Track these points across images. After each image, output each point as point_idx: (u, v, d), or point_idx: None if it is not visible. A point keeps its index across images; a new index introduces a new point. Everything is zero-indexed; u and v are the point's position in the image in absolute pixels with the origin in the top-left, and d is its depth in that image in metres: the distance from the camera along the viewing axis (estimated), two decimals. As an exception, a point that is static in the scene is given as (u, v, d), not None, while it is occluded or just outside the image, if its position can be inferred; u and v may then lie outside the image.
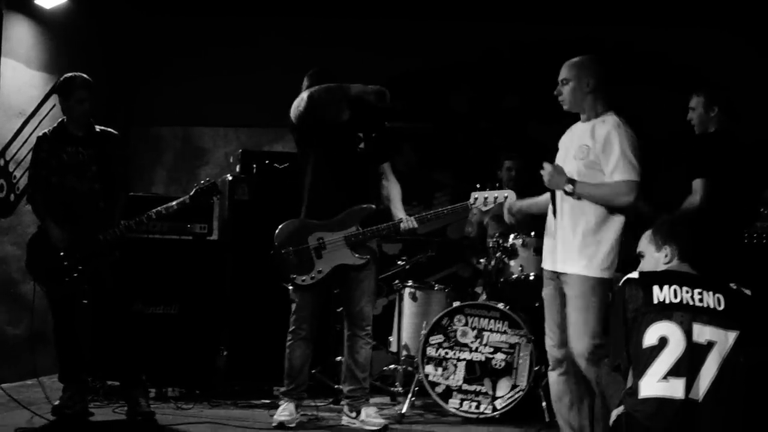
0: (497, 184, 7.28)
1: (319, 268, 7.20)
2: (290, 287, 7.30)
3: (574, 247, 6.13)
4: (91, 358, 7.67)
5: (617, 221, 6.10)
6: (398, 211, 7.38)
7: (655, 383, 4.83)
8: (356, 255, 7.25)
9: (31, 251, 7.37)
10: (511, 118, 10.26)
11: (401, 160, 10.38)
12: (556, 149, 6.57)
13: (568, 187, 6.13)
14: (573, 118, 6.46)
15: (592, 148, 6.16)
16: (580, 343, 6.03)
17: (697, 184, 7.05)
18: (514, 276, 8.23)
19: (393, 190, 7.51)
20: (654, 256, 5.36)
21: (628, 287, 5.13)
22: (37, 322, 7.95)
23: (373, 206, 7.34)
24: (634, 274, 5.18)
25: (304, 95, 7.16)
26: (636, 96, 9.68)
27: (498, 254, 8.29)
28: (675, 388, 4.79)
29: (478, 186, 7.19)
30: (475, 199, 7.17)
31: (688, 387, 4.79)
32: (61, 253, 7.14)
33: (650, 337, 4.91)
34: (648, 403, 4.84)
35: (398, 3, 10.03)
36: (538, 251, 8.11)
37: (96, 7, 9.78)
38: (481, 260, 8.57)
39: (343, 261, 7.24)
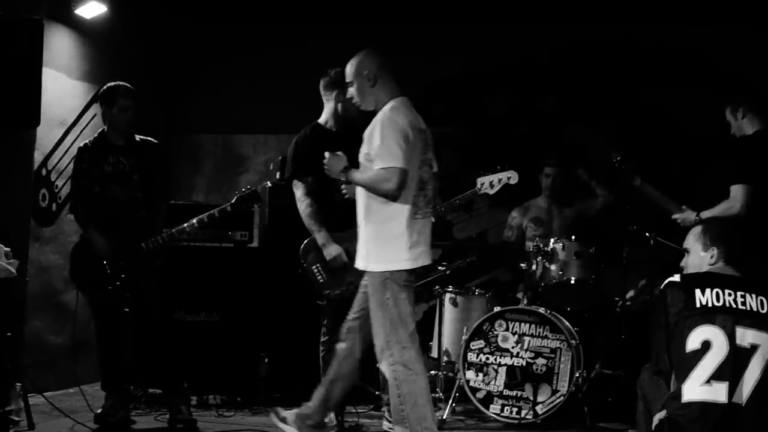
0: (498, 167, 7.23)
1: (349, 279, 7.12)
2: (324, 302, 7.28)
3: (363, 243, 6.23)
4: (133, 366, 7.69)
5: (400, 212, 6.08)
6: None
7: (698, 387, 4.80)
8: None
9: (74, 260, 7.42)
10: (550, 120, 10.22)
11: (441, 163, 10.37)
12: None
13: (342, 175, 6.26)
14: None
15: (366, 140, 6.23)
16: (377, 339, 6.14)
17: (737, 190, 7.00)
18: (554, 280, 8.21)
19: None
20: (700, 255, 5.34)
21: (669, 291, 5.11)
22: (80, 330, 8.02)
23: None
24: (676, 277, 5.16)
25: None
26: (676, 97, 9.65)
27: (538, 258, 8.27)
28: (718, 393, 4.77)
29: (482, 171, 7.19)
30: (482, 184, 7.22)
31: (731, 391, 4.76)
32: (104, 262, 7.18)
33: (693, 341, 4.88)
34: (691, 408, 4.81)
35: (435, 7, 10.01)
36: (579, 255, 8.16)
37: (135, 15, 9.82)
38: (522, 264, 8.54)
39: None
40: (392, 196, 6.04)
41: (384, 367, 6.15)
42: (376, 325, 6.15)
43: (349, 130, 7.25)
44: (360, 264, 6.26)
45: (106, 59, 9.59)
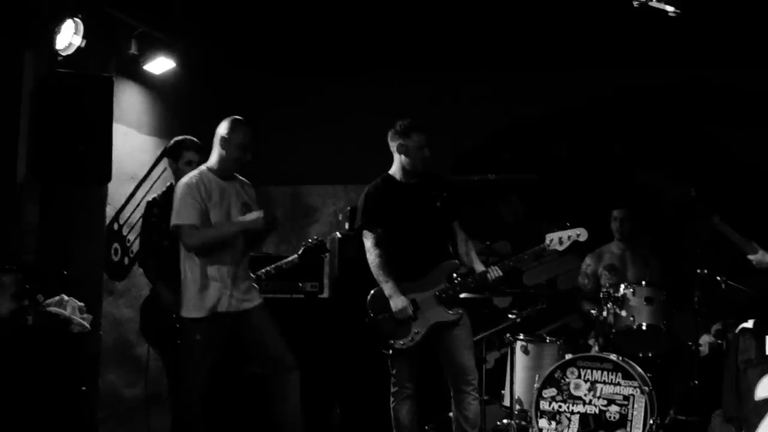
0: (567, 224, 7.21)
1: (416, 330, 7.14)
2: (390, 352, 7.28)
3: None
4: (205, 416, 7.70)
5: (191, 262, 6.88)
6: (477, 264, 7.34)
7: (768, 438, 4.72)
8: (449, 311, 7.19)
9: (144, 314, 7.51)
10: (618, 165, 10.16)
11: (508, 210, 10.36)
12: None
13: None
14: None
15: None
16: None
17: None
18: (625, 326, 8.14)
19: (467, 245, 7.46)
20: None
21: (742, 337, 5.05)
22: (152, 383, 8.07)
23: (457, 261, 7.32)
24: (750, 323, 5.09)
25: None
26: (745, 139, 9.57)
27: (609, 304, 8.21)
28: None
29: (552, 228, 7.19)
30: (551, 240, 7.19)
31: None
32: (174, 316, 7.23)
33: (763, 390, 4.81)
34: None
35: (503, 54, 10.02)
36: (650, 301, 8.09)
37: (202, 69, 9.93)
38: (592, 311, 8.48)
39: (438, 319, 7.18)
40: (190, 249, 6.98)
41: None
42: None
43: (422, 182, 7.28)
44: None
45: (174, 113, 9.73)
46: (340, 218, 9.26)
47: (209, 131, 7.30)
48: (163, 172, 9.25)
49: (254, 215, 6.82)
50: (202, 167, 6.99)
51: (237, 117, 6.97)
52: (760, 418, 4.76)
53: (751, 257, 7.42)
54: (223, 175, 6.95)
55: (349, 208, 9.05)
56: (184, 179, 6.92)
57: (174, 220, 6.81)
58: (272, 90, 10.76)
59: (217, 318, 6.81)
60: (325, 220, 10.70)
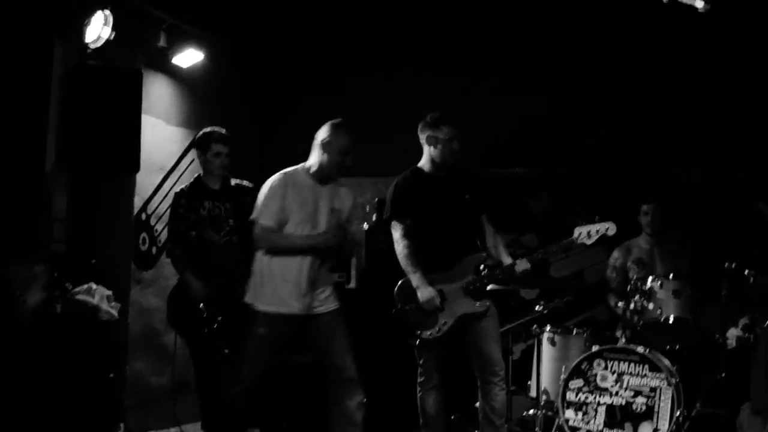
0: (596, 218, 7.21)
1: (443, 321, 7.17)
2: (417, 343, 7.29)
3: None
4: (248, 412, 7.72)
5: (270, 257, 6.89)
6: (505, 256, 7.35)
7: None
8: (477, 303, 7.21)
9: (171, 304, 7.54)
10: (647, 160, 10.13)
11: (537, 205, 10.35)
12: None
13: None
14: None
15: None
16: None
17: None
18: (652, 318, 8.12)
19: (495, 238, 7.47)
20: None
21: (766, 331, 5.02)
22: (180, 371, 8.11)
23: (485, 254, 7.34)
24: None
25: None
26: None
27: (636, 297, 8.19)
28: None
29: (580, 221, 7.19)
30: (579, 233, 7.18)
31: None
32: (201, 305, 7.27)
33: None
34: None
35: (531, 48, 10.01)
36: (677, 294, 8.06)
37: (230, 60, 9.95)
38: (620, 303, 8.46)
39: (465, 310, 7.20)
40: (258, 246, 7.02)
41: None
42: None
43: (451, 174, 7.29)
44: None
45: (203, 105, 9.76)
46: (368, 210, 9.26)
47: (237, 123, 7.34)
48: (191, 163, 9.27)
49: (322, 236, 6.83)
50: (300, 166, 7.00)
51: (337, 121, 6.99)
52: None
53: None
54: (321, 178, 6.94)
55: (377, 199, 9.07)
56: (276, 176, 6.95)
57: (254, 214, 6.83)
58: (300, 81, 10.77)
59: (286, 317, 6.84)
60: (353, 212, 10.68)
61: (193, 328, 7.39)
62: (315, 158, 6.94)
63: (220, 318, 7.31)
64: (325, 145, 6.86)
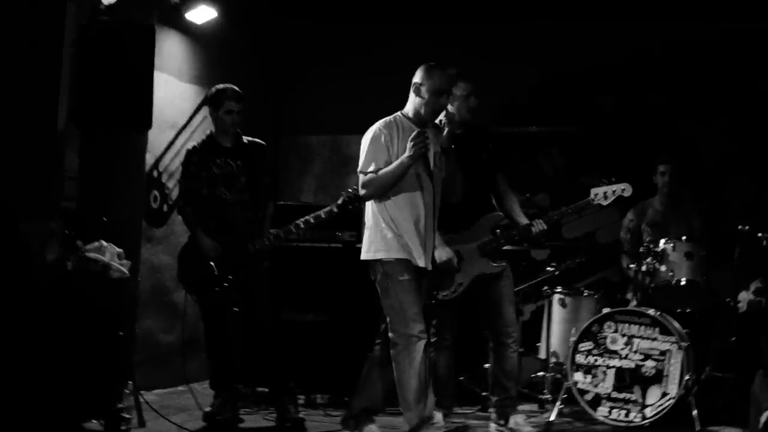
0: (613, 179, 7.18)
1: (459, 281, 7.18)
2: (432, 302, 7.29)
3: None
4: (241, 365, 7.75)
5: (373, 209, 6.72)
6: (520, 217, 7.34)
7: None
8: (493, 263, 7.21)
9: (182, 261, 7.54)
10: (661, 118, 10.05)
11: (549, 164, 10.31)
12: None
13: None
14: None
15: None
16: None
17: None
18: (664, 281, 8.10)
19: (511, 197, 7.44)
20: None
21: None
22: (189, 329, 8.14)
23: (501, 214, 7.32)
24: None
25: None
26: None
27: (648, 259, 8.16)
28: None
29: (601, 181, 7.18)
30: (595, 195, 7.18)
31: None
32: (211, 263, 7.27)
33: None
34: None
35: (544, 4, 9.94)
36: (690, 256, 8.03)
37: (244, 17, 9.94)
38: (631, 265, 8.44)
39: (482, 270, 7.20)
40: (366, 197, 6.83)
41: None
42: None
43: (468, 132, 7.27)
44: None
45: (216, 62, 9.75)
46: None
47: (250, 81, 7.28)
48: (203, 120, 9.25)
49: (412, 149, 6.46)
50: (398, 114, 6.80)
51: (431, 63, 6.72)
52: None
53: None
54: (419, 122, 6.70)
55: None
56: (378, 124, 6.75)
57: (359, 167, 6.70)
58: (315, 39, 10.74)
59: (415, 269, 6.64)
60: (365, 170, 10.65)
61: (204, 286, 7.39)
62: (410, 104, 6.74)
63: (230, 276, 7.30)
64: (418, 89, 6.65)
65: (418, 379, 6.47)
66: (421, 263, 6.59)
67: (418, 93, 6.63)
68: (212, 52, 9.72)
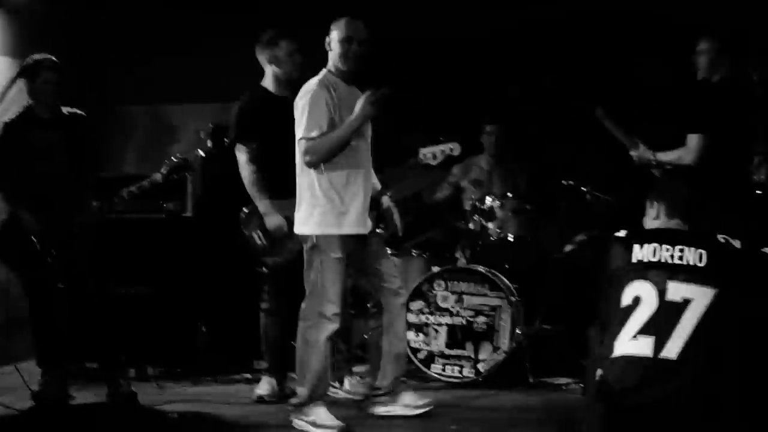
0: (441, 138, 7.18)
1: (290, 246, 7.03)
2: (264, 269, 7.24)
3: None
4: (68, 341, 7.57)
5: (310, 178, 6.39)
6: None
7: (626, 343, 4.76)
8: None
9: (1, 238, 7.31)
10: (491, 79, 10.08)
11: (377, 125, 10.27)
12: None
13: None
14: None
15: None
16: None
17: (693, 140, 6.83)
18: (492, 238, 8.20)
19: None
20: (648, 213, 5.30)
21: (613, 246, 5.08)
22: (12, 307, 7.93)
23: None
24: (621, 233, 5.12)
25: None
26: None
27: (475, 217, 8.25)
28: (642, 347, 4.69)
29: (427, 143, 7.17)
30: (424, 155, 7.14)
31: (659, 345, 4.68)
32: (33, 238, 7.07)
33: (627, 297, 4.85)
34: (617, 363, 4.76)
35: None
36: (517, 212, 8.17)
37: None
38: (458, 223, 8.51)
39: None
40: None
41: None
42: None
43: (295, 94, 7.16)
44: None
45: (31, 32, 9.44)
46: (202, 136, 9.11)
47: (68, 50, 7.09)
48: (18, 92, 8.95)
49: (360, 111, 6.26)
50: (323, 72, 6.49)
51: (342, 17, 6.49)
52: (621, 325, 4.80)
53: (632, 153, 7.33)
54: (340, 74, 6.43)
55: (211, 125, 8.91)
56: (312, 82, 6.39)
57: (297, 133, 6.35)
58: (130, 7, 10.48)
59: (357, 237, 6.52)
60: (188, 140, 10.45)
61: (26, 262, 7.19)
62: (330, 61, 6.49)
63: (53, 251, 7.12)
64: (329, 44, 6.43)
65: (319, 360, 6.35)
66: (364, 230, 6.52)
67: (330, 47, 6.44)
68: (28, 24, 9.43)
